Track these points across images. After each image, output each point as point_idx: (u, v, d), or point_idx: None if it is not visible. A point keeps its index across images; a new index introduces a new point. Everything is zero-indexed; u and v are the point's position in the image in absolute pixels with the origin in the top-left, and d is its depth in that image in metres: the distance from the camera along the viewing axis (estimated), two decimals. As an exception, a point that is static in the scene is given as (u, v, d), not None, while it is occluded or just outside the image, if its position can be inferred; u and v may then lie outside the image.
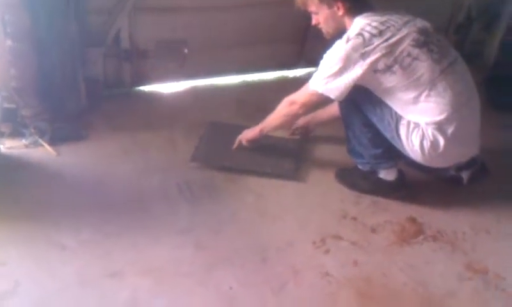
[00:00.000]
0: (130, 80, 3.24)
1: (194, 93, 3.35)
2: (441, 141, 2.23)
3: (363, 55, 2.18)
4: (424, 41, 2.23)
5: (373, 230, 2.33)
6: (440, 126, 2.22)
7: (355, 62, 2.19)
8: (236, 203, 2.43)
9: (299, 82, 3.55)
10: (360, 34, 2.20)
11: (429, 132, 2.23)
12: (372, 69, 2.20)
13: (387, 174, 2.50)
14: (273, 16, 3.34)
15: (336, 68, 2.22)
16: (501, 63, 3.72)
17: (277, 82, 3.61)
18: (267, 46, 3.50)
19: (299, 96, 2.41)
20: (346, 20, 2.31)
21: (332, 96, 2.28)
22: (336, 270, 2.11)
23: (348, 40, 2.21)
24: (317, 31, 3.39)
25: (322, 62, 2.31)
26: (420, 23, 2.29)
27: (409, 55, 2.20)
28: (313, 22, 2.43)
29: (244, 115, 3.08)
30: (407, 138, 2.27)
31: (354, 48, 2.19)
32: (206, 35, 3.29)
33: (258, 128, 2.61)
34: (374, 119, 2.34)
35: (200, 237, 2.22)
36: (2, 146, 2.61)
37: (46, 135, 2.67)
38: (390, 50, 2.19)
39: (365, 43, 2.18)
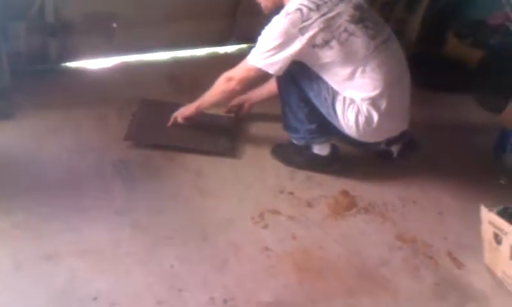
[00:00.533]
0: (56, 55, 3.09)
1: (124, 69, 3.25)
2: (375, 116, 2.31)
3: (302, 30, 2.21)
4: (360, 17, 2.29)
5: (309, 204, 2.40)
6: (373, 102, 2.30)
7: (294, 37, 2.22)
8: (174, 181, 2.41)
9: (230, 58, 3.61)
10: (298, 9, 2.23)
11: (364, 107, 2.30)
12: (311, 44, 2.23)
13: (321, 149, 2.57)
14: (204, -9, 3.30)
15: (275, 43, 2.24)
16: (422, 42, 3.88)
17: (208, 58, 3.58)
18: (198, 22, 3.45)
19: (237, 72, 2.40)
20: None
21: (271, 71, 2.30)
22: (275, 244, 2.16)
23: (287, 15, 2.23)
24: (247, 7, 3.44)
25: (260, 37, 2.32)
26: None
27: (345, 30, 2.25)
28: None
29: (176, 91, 3.05)
30: (343, 114, 2.33)
31: (293, 23, 2.22)
32: (135, 9, 3.20)
33: (194, 105, 2.59)
34: (311, 95, 2.38)
35: (138, 217, 2.19)
36: None
37: (-32, 114, 2.52)
38: (328, 24, 2.23)
39: (303, 17, 2.22)
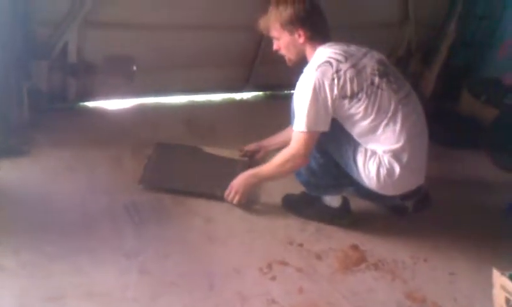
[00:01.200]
0: (76, 95, 3.16)
1: (142, 111, 3.32)
2: (397, 169, 2.31)
3: (333, 81, 2.24)
4: (384, 72, 2.33)
5: (318, 257, 2.38)
6: (395, 155, 2.31)
7: (327, 88, 2.24)
8: (184, 226, 2.42)
9: (246, 105, 3.67)
10: (327, 61, 2.27)
11: (386, 159, 2.31)
12: (342, 95, 2.25)
13: (332, 201, 2.57)
14: (223, 39, 3.36)
15: (312, 101, 2.25)
16: (437, 97, 3.90)
17: (224, 103, 3.64)
18: (216, 68, 3.52)
19: (296, 148, 2.34)
20: (307, 48, 2.38)
21: (321, 129, 2.30)
22: (282, 297, 2.14)
23: (317, 68, 2.27)
24: (265, 55, 3.50)
25: (297, 98, 2.32)
26: (377, 54, 2.40)
27: (372, 83, 2.29)
28: (275, 47, 2.48)
29: (191, 135, 3.09)
30: (364, 165, 2.33)
31: (324, 74, 2.25)
32: (155, 53, 3.27)
33: (252, 172, 2.56)
34: (331, 146, 2.38)
35: (146, 261, 2.19)
36: None
37: (-14, 149, 2.56)
38: (356, 74, 2.27)
39: (333, 68, 2.26)
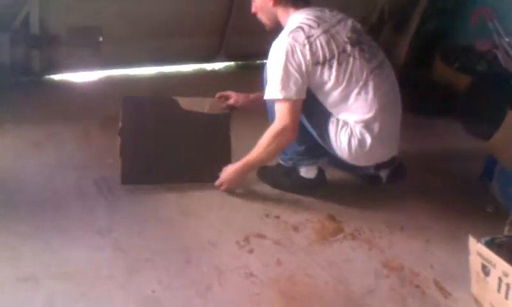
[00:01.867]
0: (40, 68, 3.05)
1: (109, 83, 3.22)
2: (368, 139, 2.28)
3: (305, 47, 2.20)
4: (357, 40, 2.30)
5: (295, 229, 2.36)
6: (367, 125, 2.28)
7: (300, 54, 2.20)
8: (157, 201, 2.37)
9: (217, 75, 3.59)
10: (299, 27, 2.23)
11: (357, 130, 2.28)
12: (314, 60, 2.21)
13: (307, 172, 2.54)
14: (193, 8, 3.27)
15: (284, 68, 2.19)
16: (409, 65, 3.89)
17: (194, 74, 3.58)
18: (186, 38, 3.43)
19: (283, 121, 2.24)
20: (279, 12, 2.33)
21: (295, 97, 2.21)
22: (260, 270, 2.11)
23: (289, 33, 2.22)
24: (236, 25, 3.42)
25: (270, 66, 2.26)
26: (352, 22, 2.36)
27: (344, 51, 2.25)
28: (253, 9, 2.42)
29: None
30: (335, 135, 2.30)
31: (296, 40, 2.21)
32: (122, 23, 3.16)
33: (240, 164, 2.43)
34: (303, 115, 2.34)
35: (119, 238, 2.13)
36: None
37: None
38: (328, 41, 2.23)
39: (305, 33, 2.21)
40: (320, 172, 2.57)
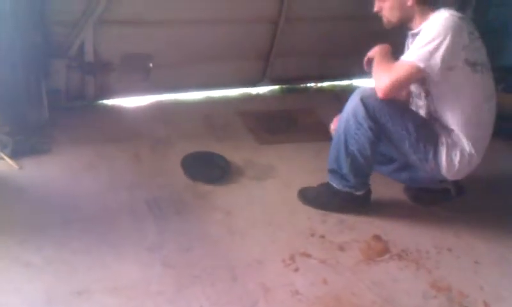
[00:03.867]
0: (93, 93, 3.19)
1: (159, 107, 3.33)
2: (475, 156, 2.36)
3: (468, 37, 2.21)
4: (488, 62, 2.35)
5: (341, 248, 2.36)
6: (478, 141, 2.35)
7: (464, 36, 2.20)
8: (204, 219, 2.42)
9: (262, 99, 3.66)
10: (461, 17, 2.22)
11: (470, 147, 2.33)
12: (469, 55, 2.21)
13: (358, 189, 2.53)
14: (239, 33, 3.37)
15: (444, 34, 2.17)
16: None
17: (241, 98, 3.64)
18: (232, 63, 3.52)
19: (390, 77, 2.23)
20: (416, 12, 2.31)
21: (422, 65, 2.19)
22: (306, 288, 2.12)
23: (453, 16, 2.20)
24: (281, 49, 3.49)
25: (423, 36, 2.23)
26: None
27: (482, 64, 2.29)
28: (375, 8, 2.37)
29: (211, 130, 3.09)
30: (446, 155, 2.34)
31: (461, 27, 2.19)
32: (171, 50, 3.29)
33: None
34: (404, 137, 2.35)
35: (168, 255, 2.19)
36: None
37: (7, 148, 2.59)
38: (481, 47, 2.27)
39: (467, 28, 2.22)
40: (369, 190, 2.57)
